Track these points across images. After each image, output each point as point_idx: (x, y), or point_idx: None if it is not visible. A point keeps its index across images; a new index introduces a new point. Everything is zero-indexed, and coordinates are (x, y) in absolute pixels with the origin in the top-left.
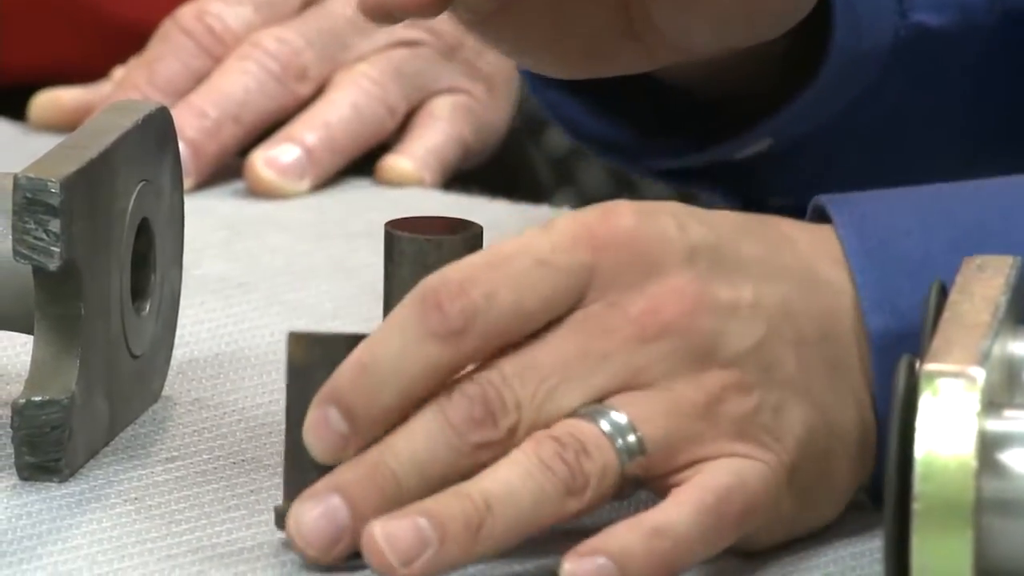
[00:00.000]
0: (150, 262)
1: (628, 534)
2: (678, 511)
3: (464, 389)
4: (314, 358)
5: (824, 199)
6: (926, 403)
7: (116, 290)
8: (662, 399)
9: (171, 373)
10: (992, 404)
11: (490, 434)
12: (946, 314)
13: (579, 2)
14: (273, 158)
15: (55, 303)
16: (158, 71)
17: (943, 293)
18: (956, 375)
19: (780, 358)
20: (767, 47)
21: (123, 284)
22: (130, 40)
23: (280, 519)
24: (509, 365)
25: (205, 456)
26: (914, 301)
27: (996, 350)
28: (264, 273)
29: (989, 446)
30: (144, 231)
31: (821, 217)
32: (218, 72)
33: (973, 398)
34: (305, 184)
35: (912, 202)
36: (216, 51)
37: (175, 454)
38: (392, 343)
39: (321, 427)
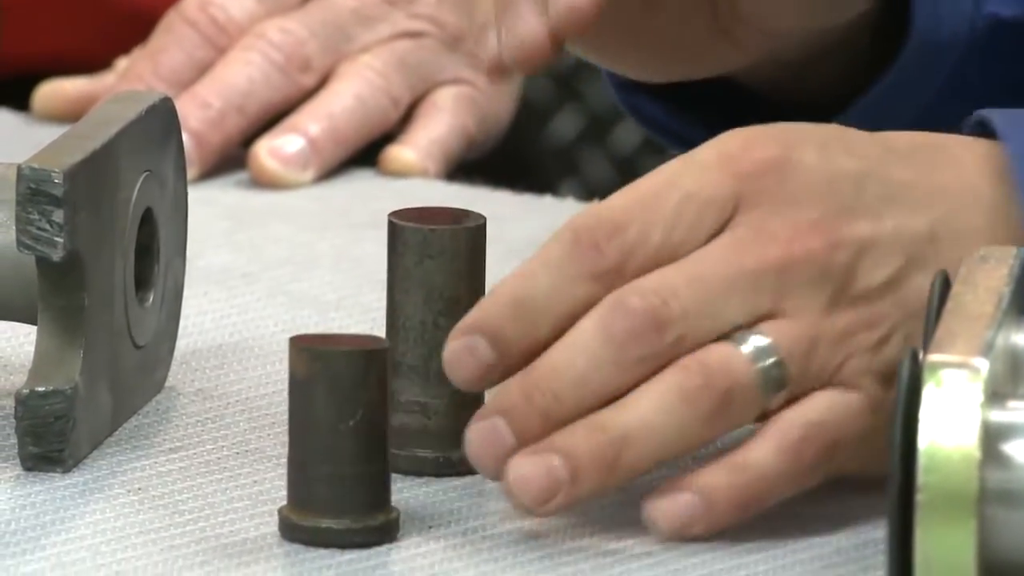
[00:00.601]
0: (153, 252)
1: (712, 470)
2: (760, 448)
3: (628, 304)
4: (314, 372)
5: (988, 113)
6: (929, 394)
7: (119, 280)
8: (803, 330)
9: (174, 363)
10: (996, 395)
11: (654, 347)
12: (949, 305)
13: (667, 4)
14: (277, 148)
15: (58, 294)
16: (162, 62)
17: (946, 284)
18: (960, 366)
19: (918, 287)
20: (849, 44)
21: (127, 274)
22: (134, 30)
23: (284, 525)
24: (675, 276)
25: (208, 447)
26: None
27: (999, 341)
28: (267, 263)
29: (993, 437)
30: (147, 221)
31: (984, 131)
32: (222, 63)
33: (976, 389)
34: (309, 175)
35: None
36: (220, 42)
37: (178, 444)
38: (545, 280)
39: (466, 355)
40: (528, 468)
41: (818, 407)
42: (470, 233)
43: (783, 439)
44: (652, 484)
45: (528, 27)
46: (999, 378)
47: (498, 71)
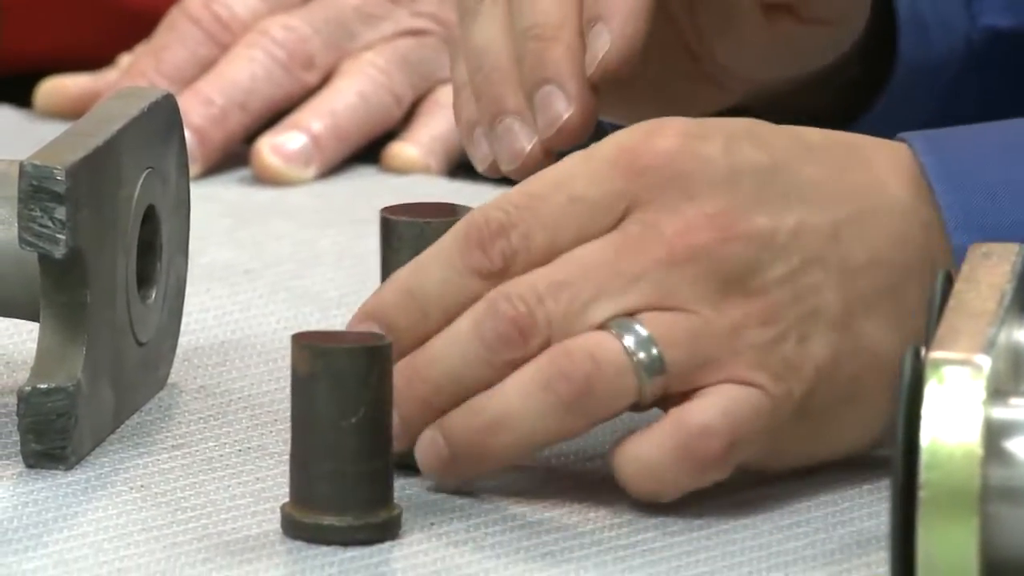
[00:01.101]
0: (156, 249)
1: (611, 458)
2: (653, 443)
3: (498, 308)
4: (317, 369)
5: (903, 135)
6: (932, 391)
7: (122, 277)
8: (687, 322)
9: (177, 360)
10: (998, 392)
11: (519, 352)
12: (952, 302)
13: (651, 57)
14: (279, 145)
15: (61, 290)
16: (165, 59)
17: (949, 281)
18: (962, 363)
19: (816, 286)
20: (839, 72)
21: (129, 271)
22: (136, 27)
23: (286, 522)
24: (543, 283)
25: (211, 444)
26: (998, 222)
27: (1002, 338)
28: (270, 260)
29: (995, 434)
30: (150, 218)
31: None
32: (225, 60)
33: (979, 386)
34: (311, 172)
35: (990, 133)
36: (223, 39)
37: (181, 442)
38: (436, 273)
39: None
40: (424, 442)
41: (714, 403)
42: None
43: (677, 435)
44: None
45: (520, 145)
46: (1001, 375)
47: (492, 172)
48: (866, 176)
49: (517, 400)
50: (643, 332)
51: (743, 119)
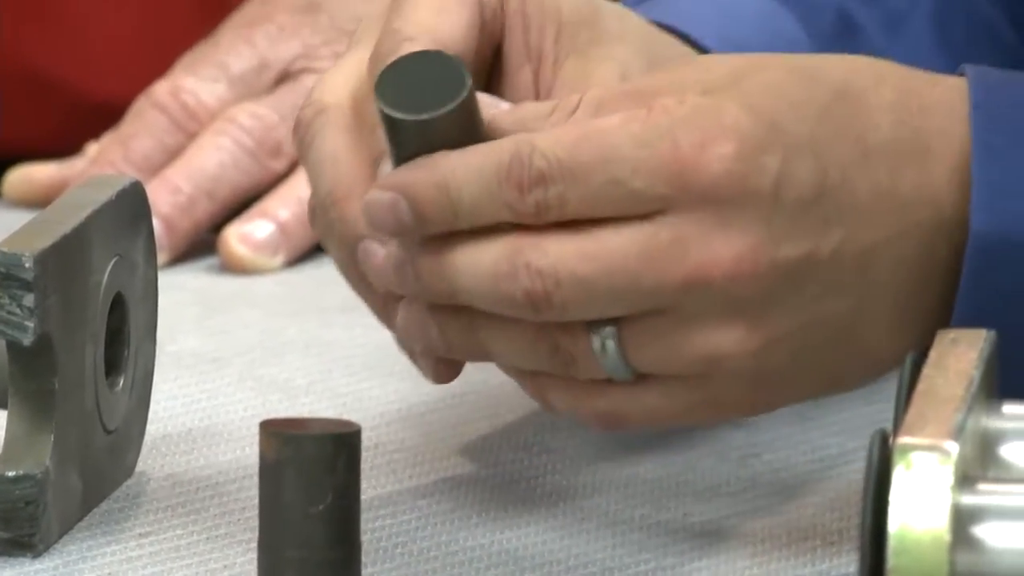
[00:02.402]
0: (124, 337)
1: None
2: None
3: (518, 275)
4: (284, 456)
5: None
6: (900, 477)
7: (90, 365)
8: (670, 342)
9: (145, 448)
10: (966, 478)
11: (528, 315)
12: (920, 387)
13: None
14: (247, 234)
15: (29, 377)
16: (132, 147)
17: (917, 366)
18: (930, 449)
19: (827, 313)
20: None
21: (97, 359)
22: (102, 117)
23: None
24: (566, 270)
25: (179, 532)
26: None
27: (970, 424)
28: (238, 348)
29: (963, 520)
30: (118, 306)
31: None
32: (192, 148)
33: (947, 472)
34: (279, 260)
35: None
36: (190, 127)
37: (148, 530)
38: (474, 185)
39: (387, 211)
40: (409, 319)
41: (645, 398)
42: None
43: (594, 401)
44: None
45: (428, 363)
46: (969, 461)
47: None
48: (920, 179)
49: (506, 341)
50: (616, 351)
51: (819, 100)
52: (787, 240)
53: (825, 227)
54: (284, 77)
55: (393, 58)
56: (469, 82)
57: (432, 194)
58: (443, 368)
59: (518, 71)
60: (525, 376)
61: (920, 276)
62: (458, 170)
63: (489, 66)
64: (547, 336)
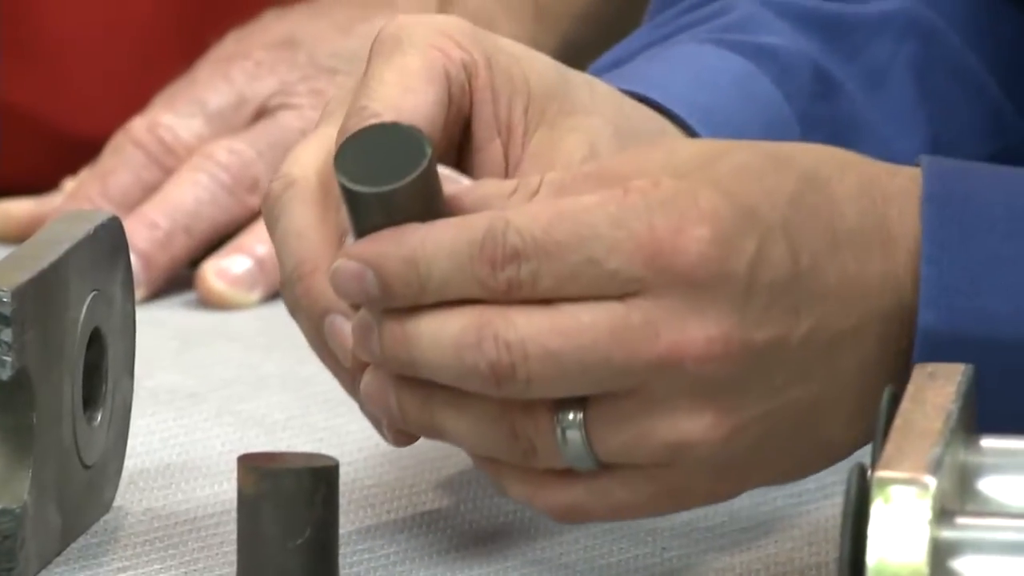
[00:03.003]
0: (102, 372)
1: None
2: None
3: (484, 345)
4: (262, 490)
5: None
6: (878, 510)
7: (68, 399)
8: (637, 428)
9: (123, 483)
10: (944, 512)
11: (491, 390)
12: (898, 421)
13: None
14: (224, 269)
15: (7, 412)
16: (110, 183)
17: (895, 400)
18: (908, 482)
19: (794, 401)
20: None
21: (75, 393)
22: (78, 154)
23: None
24: (534, 343)
25: (157, 567)
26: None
27: (948, 458)
28: (215, 384)
29: (941, 554)
30: (96, 341)
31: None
32: (170, 183)
33: (925, 505)
34: (256, 295)
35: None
36: (168, 163)
37: (127, 564)
38: (444, 261)
39: (354, 280)
40: (372, 387)
41: (605, 491)
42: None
43: (554, 496)
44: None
45: (388, 430)
46: (947, 495)
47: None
48: (884, 268)
49: (463, 422)
50: (580, 440)
51: (788, 186)
52: (759, 325)
53: (796, 313)
54: (261, 113)
55: None
56: (429, 152)
57: (400, 268)
58: (402, 435)
59: (487, 145)
60: (483, 461)
61: (881, 366)
62: (428, 244)
63: (458, 142)
64: (507, 420)
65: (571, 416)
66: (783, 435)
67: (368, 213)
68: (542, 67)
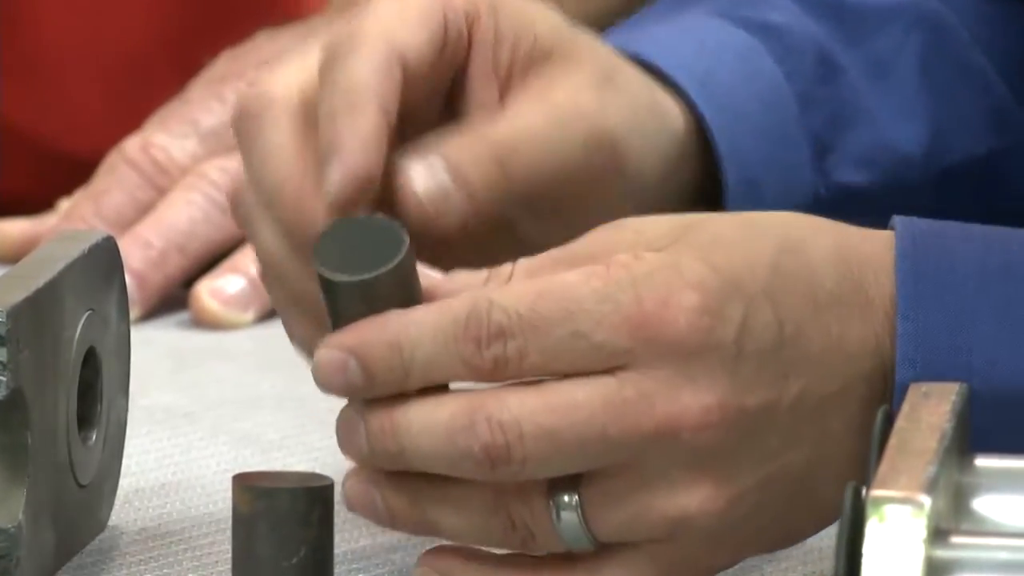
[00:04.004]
0: (97, 391)
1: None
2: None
3: (477, 428)
4: (257, 510)
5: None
6: (873, 529)
7: (63, 419)
8: (635, 504)
9: (117, 502)
10: (939, 531)
11: (486, 474)
12: (892, 440)
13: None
14: (218, 289)
15: (2, 432)
16: (104, 202)
17: (889, 420)
18: (903, 501)
19: (788, 466)
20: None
21: (69, 413)
22: (74, 172)
23: None
24: (530, 422)
25: None
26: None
27: (943, 477)
28: (210, 403)
29: (936, 573)
30: (91, 360)
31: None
32: (163, 203)
33: (920, 524)
34: (250, 315)
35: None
36: (161, 182)
37: None
38: (428, 344)
39: (336, 371)
40: (355, 490)
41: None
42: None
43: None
44: None
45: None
46: (942, 514)
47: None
48: (864, 330)
49: (457, 515)
50: (576, 522)
51: (767, 254)
52: (751, 390)
53: (785, 378)
54: None
55: (346, 57)
56: (407, 240)
57: (383, 353)
58: None
59: (483, 89)
60: (474, 562)
61: (868, 427)
62: (411, 327)
63: (446, 90)
64: (503, 509)
65: (566, 498)
66: (778, 501)
67: (348, 303)
68: (551, 16)
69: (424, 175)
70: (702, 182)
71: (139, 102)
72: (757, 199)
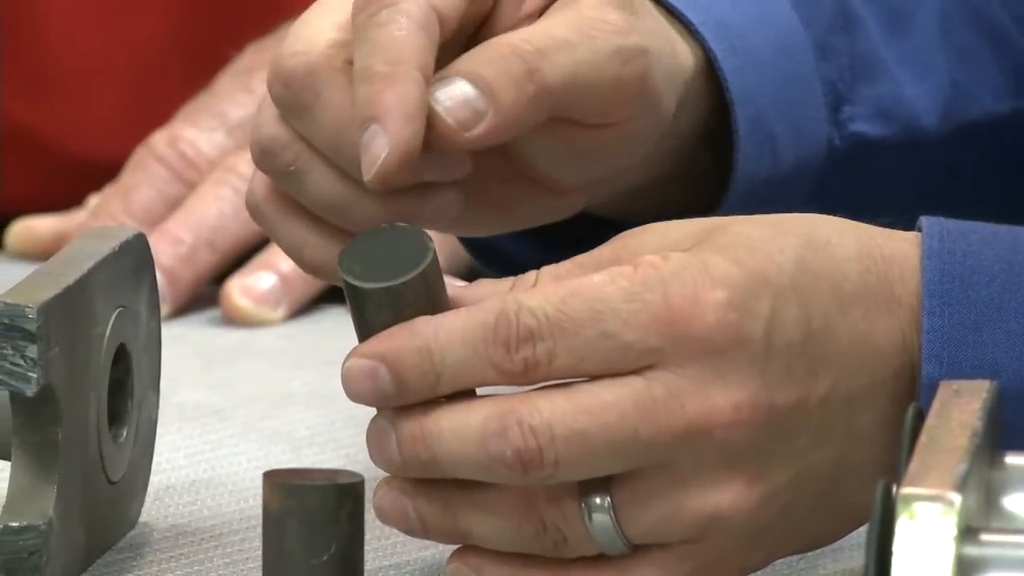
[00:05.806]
0: (127, 388)
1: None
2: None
3: (508, 432)
4: (288, 507)
5: (927, 251)
6: (903, 527)
7: (93, 416)
8: (667, 504)
9: (148, 499)
10: (969, 529)
11: (517, 478)
12: (923, 438)
13: (480, 178)
14: (249, 286)
15: (32, 429)
16: (133, 198)
17: (920, 417)
18: (934, 499)
19: (818, 464)
20: (690, 164)
21: (100, 410)
22: (82, 175)
23: None
24: (561, 424)
25: None
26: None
27: (973, 475)
28: (240, 400)
29: (966, 571)
30: (121, 357)
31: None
32: (193, 198)
33: (950, 522)
34: (280, 312)
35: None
36: (190, 177)
37: None
38: (459, 348)
39: (367, 379)
40: (386, 501)
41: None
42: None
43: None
44: None
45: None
46: (972, 512)
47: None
48: (890, 326)
49: (489, 521)
50: (611, 524)
51: (791, 251)
52: (781, 387)
53: (814, 374)
54: None
55: (382, 12)
56: (432, 246)
57: (414, 359)
58: None
59: (509, 25)
60: (505, 560)
61: (897, 424)
62: (440, 333)
63: (470, 33)
64: (535, 513)
65: (598, 500)
66: (809, 499)
67: (376, 311)
68: None
69: (446, 89)
70: (709, 125)
71: (149, 104)
72: (769, 147)
